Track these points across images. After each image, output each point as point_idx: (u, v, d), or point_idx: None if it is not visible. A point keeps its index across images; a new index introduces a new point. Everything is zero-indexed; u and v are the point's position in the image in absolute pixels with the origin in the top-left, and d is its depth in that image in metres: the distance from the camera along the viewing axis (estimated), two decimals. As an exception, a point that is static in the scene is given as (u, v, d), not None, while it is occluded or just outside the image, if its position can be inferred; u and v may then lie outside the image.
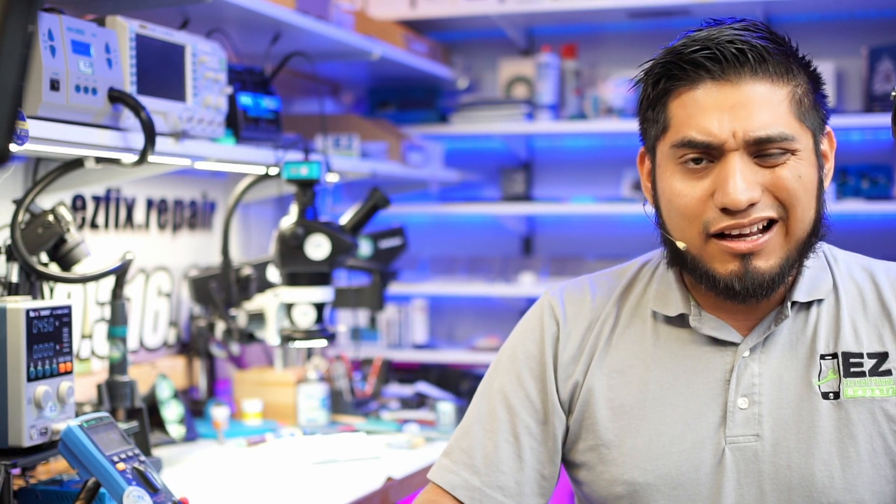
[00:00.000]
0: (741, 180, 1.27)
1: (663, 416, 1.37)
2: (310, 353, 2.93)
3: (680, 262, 1.37)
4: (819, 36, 3.67)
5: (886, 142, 3.58)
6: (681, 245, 1.34)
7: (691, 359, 1.38)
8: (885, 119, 3.30)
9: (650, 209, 1.42)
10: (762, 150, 1.29)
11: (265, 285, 2.72)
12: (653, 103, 1.35)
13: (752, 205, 1.28)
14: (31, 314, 1.76)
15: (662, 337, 1.40)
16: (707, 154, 1.30)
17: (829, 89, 3.68)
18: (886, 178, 3.48)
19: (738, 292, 1.31)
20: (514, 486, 1.40)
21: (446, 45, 3.89)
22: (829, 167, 1.39)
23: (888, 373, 1.33)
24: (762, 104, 1.28)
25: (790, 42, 1.35)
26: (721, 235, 1.30)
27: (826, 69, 3.54)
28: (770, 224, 1.30)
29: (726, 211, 1.28)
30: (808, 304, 1.38)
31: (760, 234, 1.29)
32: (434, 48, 3.70)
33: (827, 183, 1.38)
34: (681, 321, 1.40)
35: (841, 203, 3.44)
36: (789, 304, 1.36)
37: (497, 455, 1.41)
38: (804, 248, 1.33)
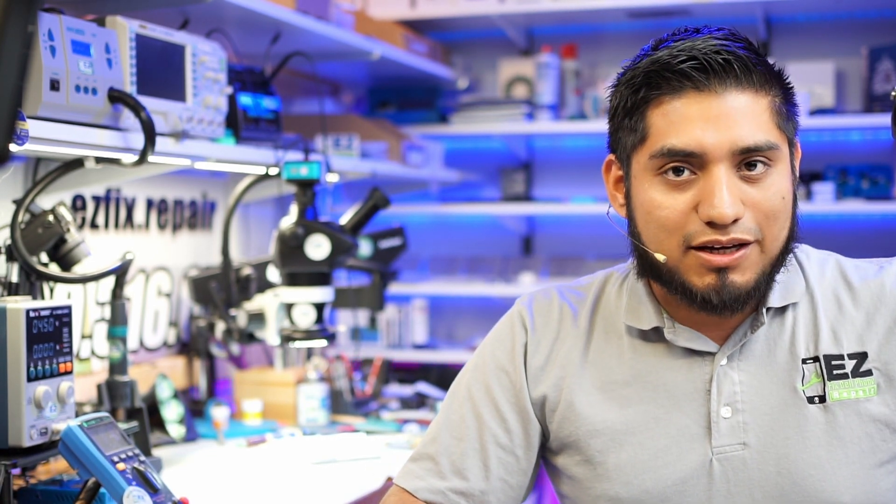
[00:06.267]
0: (728, 194, 1.25)
1: (647, 431, 1.36)
2: (310, 353, 2.93)
3: (652, 273, 1.35)
4: (819, 36, 3.67)
5: (886, 142, 3.58)
6: (661, 257, 1.31)
7: (670, 371, 1.37)
8: (885, 119, 3.30)
9: (613, 213, 1.41)
10: (747, 161, 1.28)
11: (265, 285, 2.72)
12: (630, 112, 1.33)
13: (736, 220, 1.26)
14: (31, 314, 1.76)
15: (639, 351, 1.39)
16: (689, 164, 1.28)
17: (828, 89, 3.65)
18: (886, 178, 3.48)
19: (715, 305, 1.29)
20: (478, 493, 1.40)
21: (446, 45, 3.89)
22: (796, 178, 1.38)
23: (868, 373, 1.33)
24: (746, 114, 1.27)
25: (763, 51, 1.34)
26: (700, 247, 1.28)
27: (826, 69, 3.54)
28: (746, 243, 1.29)
29: (711, 224, 1.26)
30: (783, 309, 1.37)
31: (737, 249, 1.28)
32: (434, 48, 3.70)
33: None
34: (655, 334, 1.39)
35: (841, 203, 3.44)
36: (764, 310, 1.34)
37: (463, 462, 1.41)
38: (777, 263, 1.32)
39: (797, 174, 1.37)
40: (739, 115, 1.26)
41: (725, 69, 1.26)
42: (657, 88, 1.29)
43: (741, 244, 1.27)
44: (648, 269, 1.35)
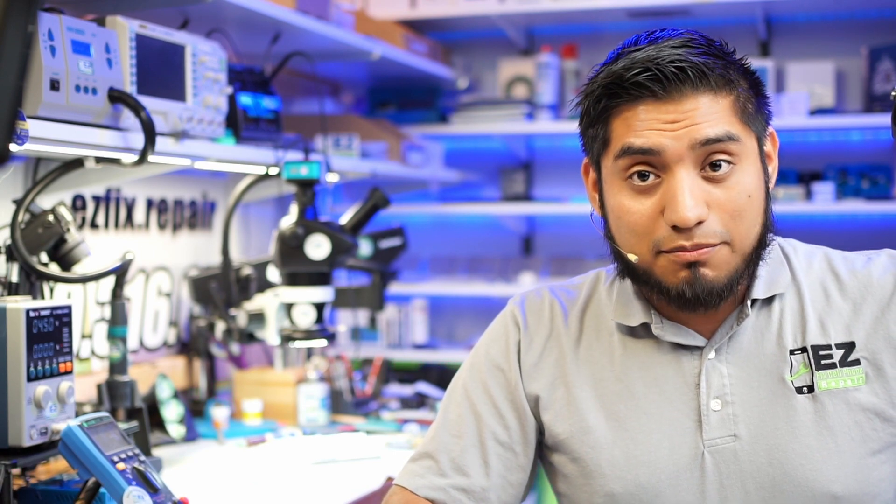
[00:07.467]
0: (689, 197, 1.27)
1: (638, 426, 1.37)
2: (310, 353, 2.93)
3: (629, 272, 1.37)
4: (819, 36, 3.67)
5: (886, 142, 3.58)
6: (632, 257, 1.34)
7: (659, 366, 1.39)
8: (885, 119, 3.30)
9: (596, 215, 1.43)
10: (708, 158, 1.28)
11: (265, 285, 2.72)
12: (594, 121, 1.35)
13: (700, 222, 1.27)
14: (31, 314, 1.76)
15: (629, 348, 1.41)
16: (652, 167, 1.30)
17: (829, 89, 3.64)
18: (886, 178, 3.48)
19: (689, 299, 1.31)
20: (479, 490, 1.41)
21: (446, 45, 3.89)
22: (774, 167, 1.39)
23: (857, 362, 1.34)
24: (705, 114, 1.28)
25: (727, 47, 1.34)
26: (669, 251, 1.30)
27: (826, 69, 3.54)
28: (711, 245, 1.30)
29: (676, 228, 1.28)
30: (770, 300, 1.38)
31: (704, 247, 1.29)
32: (434, 48, 3.70)
33: (772, 184, 1.38)
34: (644, 331, 1.41)
35: (841, 203, 3.44)
36: (749, 302, 1.36)
37: (463, 459, 1.42)
38: (751, 259, 1.33)
39: (770, 169, 1.37)
40: (698, 115, 1.28)
41: (680, 78, 1.28)
42: (616, 98, 1.32)
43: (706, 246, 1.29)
44: (628, 270, 1.38)
